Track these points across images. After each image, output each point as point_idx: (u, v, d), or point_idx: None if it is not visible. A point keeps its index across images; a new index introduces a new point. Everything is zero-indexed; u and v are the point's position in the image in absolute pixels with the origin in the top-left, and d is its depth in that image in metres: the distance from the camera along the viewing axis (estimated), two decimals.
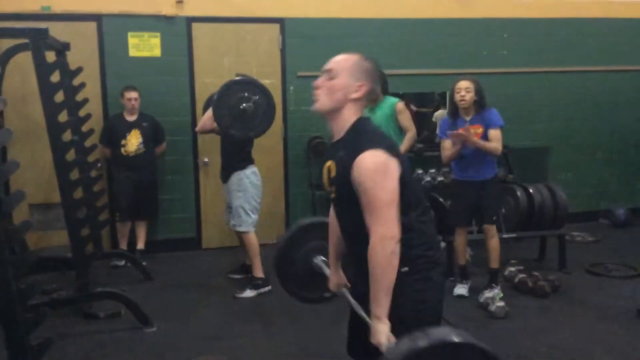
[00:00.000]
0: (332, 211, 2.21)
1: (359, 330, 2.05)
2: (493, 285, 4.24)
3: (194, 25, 5.67)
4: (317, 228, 2.47)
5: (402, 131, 4.77)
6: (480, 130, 4.18)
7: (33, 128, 5.23)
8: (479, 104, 4.17)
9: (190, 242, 5.83)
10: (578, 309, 4.12)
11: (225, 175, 4.52)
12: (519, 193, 5.05)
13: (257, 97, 4.11)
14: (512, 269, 4.70)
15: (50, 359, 3.15)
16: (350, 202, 1.89)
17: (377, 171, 1.82)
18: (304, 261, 2.44)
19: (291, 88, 5.90)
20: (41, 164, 5.34)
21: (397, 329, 1.81)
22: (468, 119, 4.19)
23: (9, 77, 4.72)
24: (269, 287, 4.47)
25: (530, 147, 6.51)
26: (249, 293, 4.44)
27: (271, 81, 5.85)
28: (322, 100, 1.98)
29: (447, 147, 4.29)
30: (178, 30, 5.63)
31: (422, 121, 5.08)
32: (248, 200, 4.41)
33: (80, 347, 3.62)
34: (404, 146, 4.74)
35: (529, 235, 5.22)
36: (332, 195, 2.04)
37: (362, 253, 1.86)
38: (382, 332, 1.80)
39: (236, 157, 4.44)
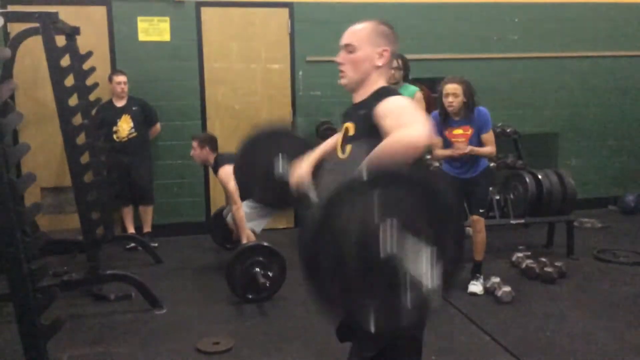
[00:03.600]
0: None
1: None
2: (477, 275, 4.23)
3: (203, 9, 5.67)
4: (277, 135, 2.44)
5: None
6: (469, 131, 4.12)
7: (44, 112, 5.28)
8: (468, 105, 4.07)
9: (199, 227, 5.87)
10: (584, 294, 4.13)
11: None
12: (527, 179, 5.04)
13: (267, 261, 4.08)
14: (520, 254, 4.71)
15: (61, 339, 3.22)
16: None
17: (407, 104, 1.82)
18: (266, 164, 2.31)
19: (300, 73, 5.90)
20: (52, 148, 5.40)
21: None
22: (457, 119, 4.14)
23: (19, 61, 4.75)
24: None
25: (539, 132, 6.49)
26: None
27: (280, 66, 5.87)
28: (349, 75, 1.96)
29: (438, 146, 4.26)
30: (187, 15, 5.64)
31: (432, 108, 5.07)
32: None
33: (91, 328, 3.69)
34: None
35: (537, 221, 5.21)
36: (344, 157, 1.98)
37: None
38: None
39: None
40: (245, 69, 5.83)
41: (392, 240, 1.38)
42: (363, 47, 1.93)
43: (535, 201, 5.00)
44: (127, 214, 5.49)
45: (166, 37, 5.61)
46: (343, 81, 1.98)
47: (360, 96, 1.97)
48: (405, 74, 4.82)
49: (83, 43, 4.47)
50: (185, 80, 5.70)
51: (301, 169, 2.12)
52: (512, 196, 5.12)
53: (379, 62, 1.94)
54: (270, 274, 4.02)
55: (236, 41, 5.76)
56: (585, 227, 5.85)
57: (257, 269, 4.00)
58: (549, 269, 4.37)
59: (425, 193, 1.46)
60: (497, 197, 5.08)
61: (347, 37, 1.96)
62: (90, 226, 4.08)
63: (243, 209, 4.42)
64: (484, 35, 6.26)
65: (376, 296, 1.44)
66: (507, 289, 3.99)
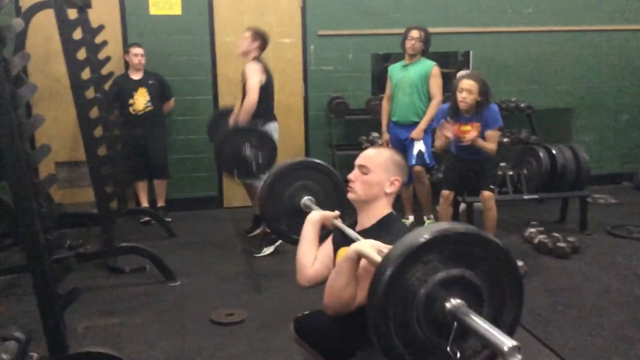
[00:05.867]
0: None
1: (327, 326, 2.13)
2: None
3: None
4: (302, 168, 2.51)
5: (429, 97, 4.79)
6: (478, 129, 4.11)
7: (56, 87, 5.30)
8: (481, 104, 4.04)
9: (212, 201, 5.91)
10: (597, 269, 4.12)
11: None
12: (541, 154, 4.99)
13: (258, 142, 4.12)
14: (533, 230, 4.69)
15: (77, 310, 3.27)
16: None
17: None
18: (291, 200, 2.45)
19: (311, 47, 5.85)
20: (65, 122, 5.42)
21: None
22: (467, 115, 4.10)
23: (31, 35, 4.75)
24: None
25: (553, 108, 6.42)
26: (266, 250, 4.49)
27: (291, 40, 5.82)
28: (358, 192, 2.02)
29: (439, 136, 4.26)
30: None
31: (445, 82, 5.03)
32: None
33: (106, 299, 3.74)
34: (428, 113, 4.76)
35: (551, 196, 5.19)
36: None
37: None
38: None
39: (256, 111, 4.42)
40: None
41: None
42: (377, 171, 2.01)
43: (549, 176, 4.96)
44: (142, 188, 5.52)
45: (177, 10, 5.57)
46: (351, 196, 2.06)
47: (365, 220, 2.04)
48: (425, 48, 4.79)
49: (94, 17, 4.44)
50: (197, 55, 5.68)
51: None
52: (525, 171, 5.08)
53: (389, 190, 2.01)
54: (260, 154, 4.03)
55: (247, 15, 5.70)
56: (598, 203, 5.81)
57: (247, 146, 4.02)
58: (561, 244, 4.35)
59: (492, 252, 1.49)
60: (510, 173, 5.04)
61: (363, 159, 2.05)
62: (104, 199, 4.11)
63: None
64: (498, 8, 6.15)
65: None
66: (519, 263, 3.98)
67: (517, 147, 5.67)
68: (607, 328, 3.23)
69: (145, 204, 5.51)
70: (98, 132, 4.16)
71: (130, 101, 5.27)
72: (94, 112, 4.18)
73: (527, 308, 3.47)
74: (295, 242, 2.45)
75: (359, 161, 2.06)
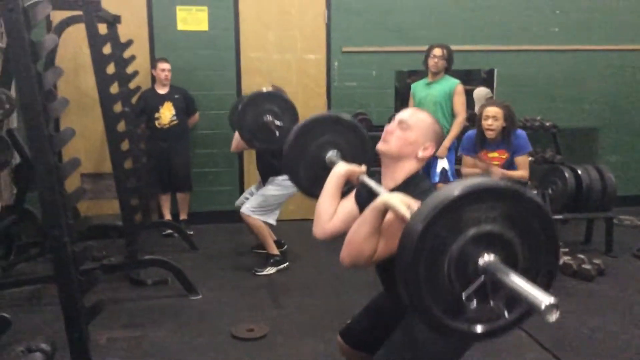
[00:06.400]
0: None
1: (371, 323, 2.18)
2: None
3: None
4: (326, 122, 2.38)
5: (453, 115, 4.79)
6: (505, 155, 4.09)
7: (84, 100, 5.39)
8: (507, 130, 4.02)
9: (234, 215, 5.89)
10: (623, 293, 4.04)
11: (265, 179, 4.55)
12: (566, 174, 4.93)
13: (280, 111, 3.99)
14: None
15: (99, 322, 3.28)
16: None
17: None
18: (315, 155, 2.32)
19: (336, 64, 5.88)
20: (92, 134, 5.51)
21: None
22: (494, 142, 4.09)
23: (61, 49, 4.85)
24: (287, 263, 4.55)
25: (579, 127, 6.35)
26: (269, 270, 4.47)
27: (316, 56, 5.86)
28: (392, 144, 1.97)
29: (468, 164, 4.24)
30: (225, 4, 5.67)
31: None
32: (277, 198, 4.44)
33: (128, 311, 3.76)
34: (453, 131, 4.75)
35: (576, 217, 5.11)
36: None
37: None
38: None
39: (275, 165, 4.40)
40: (281, 59, 5.84)
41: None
42: (416, 131, 1.96)
43: (574, 197, 4.89)
44: (165, 201, 5.58)
45: (204, 26, 5.65)
46: (383, 146, 1.99)
47: (389, 179, 1.98)
48: (447, 66, 4.79)
49: (123, 32, 4.53)
50: (222, 70, 5.74)
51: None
52: (550, 191, 5.02)
53: (420, 154, 1.97)
54: (280, 124, 3.81)
55: (272, 31, 5.77)
56: (624, 225, 5.72)
57: (269, 116, 3.79)
58: (587, 267, 4.28)
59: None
60: (535, 192, 4.98)
61: (406, 115, 2.00)
62: (129, 212, 4.16)
63: (269, 190, 4.41)
64: (524, 26, 6.13)
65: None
66: None
67: (542, 166, 5.61)
68: (633, 353, 3.16)
69: (168, 216, 5.56)
70: (125, 145, 4.23)
71: (156, 115, 5.34)
72: (121, 126, 4.24)
73: (552, 330, 3.42)
74: (309, 193, 2.37)
75: (400, 116, 2.00)
